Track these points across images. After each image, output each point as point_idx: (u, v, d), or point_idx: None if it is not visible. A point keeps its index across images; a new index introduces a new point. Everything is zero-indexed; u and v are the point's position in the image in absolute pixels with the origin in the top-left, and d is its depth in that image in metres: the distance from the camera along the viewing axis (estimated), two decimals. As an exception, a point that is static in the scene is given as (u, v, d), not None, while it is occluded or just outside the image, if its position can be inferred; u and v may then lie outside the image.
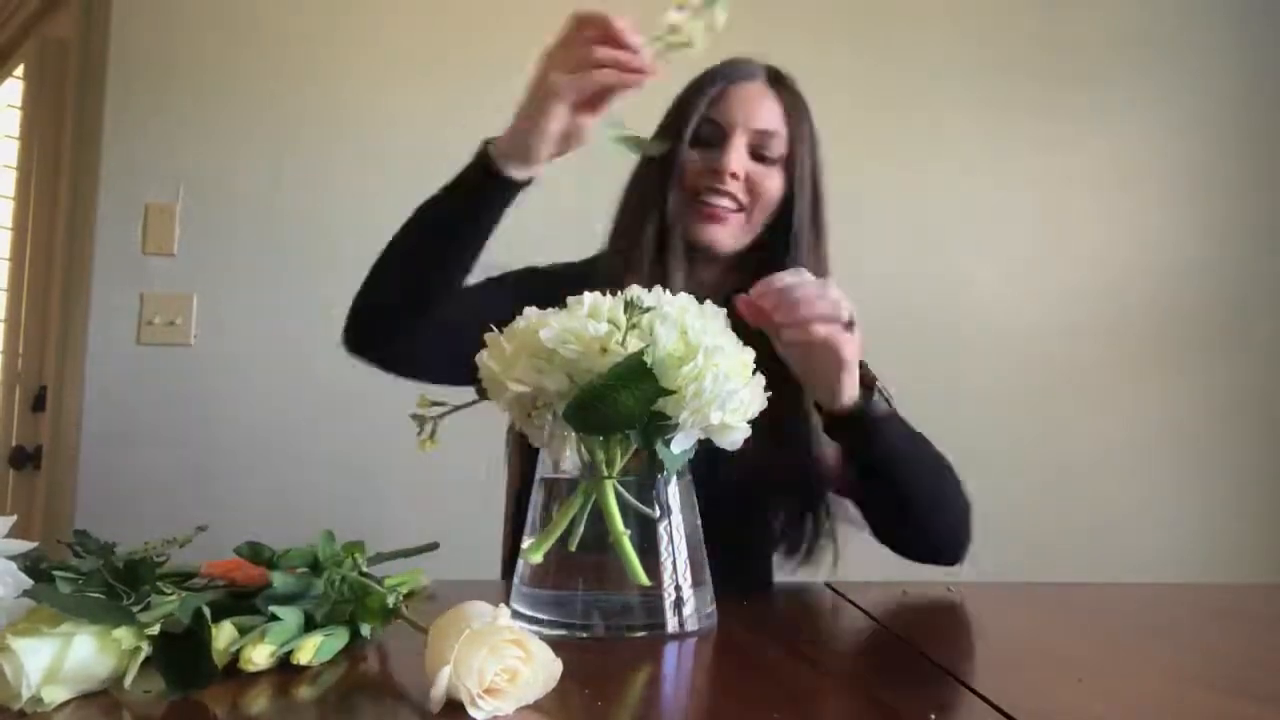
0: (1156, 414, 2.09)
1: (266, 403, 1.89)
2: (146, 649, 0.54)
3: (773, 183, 1.00)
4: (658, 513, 0.71)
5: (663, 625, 0.69)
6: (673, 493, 0.72)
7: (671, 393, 0.66)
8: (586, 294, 0.70)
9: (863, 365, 0.86)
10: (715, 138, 0.99)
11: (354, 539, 0.71)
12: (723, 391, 0.66)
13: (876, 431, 0.88)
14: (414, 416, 0.76)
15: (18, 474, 2.04)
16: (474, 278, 0.96)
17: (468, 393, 0.77)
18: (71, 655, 0.50)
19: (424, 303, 0.93)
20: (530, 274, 1.09)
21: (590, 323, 0.67)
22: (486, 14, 2.01)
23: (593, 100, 0.88)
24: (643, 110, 1.06)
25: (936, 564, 0.97)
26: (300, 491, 1.79)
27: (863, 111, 2.08)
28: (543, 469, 0.74)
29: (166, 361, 1.87)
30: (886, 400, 0.89)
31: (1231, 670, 0.66)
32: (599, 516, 0.69)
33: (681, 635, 0.69)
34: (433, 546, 0.83)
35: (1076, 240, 2.11)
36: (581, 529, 0.68)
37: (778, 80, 1.05)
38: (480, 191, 0.91)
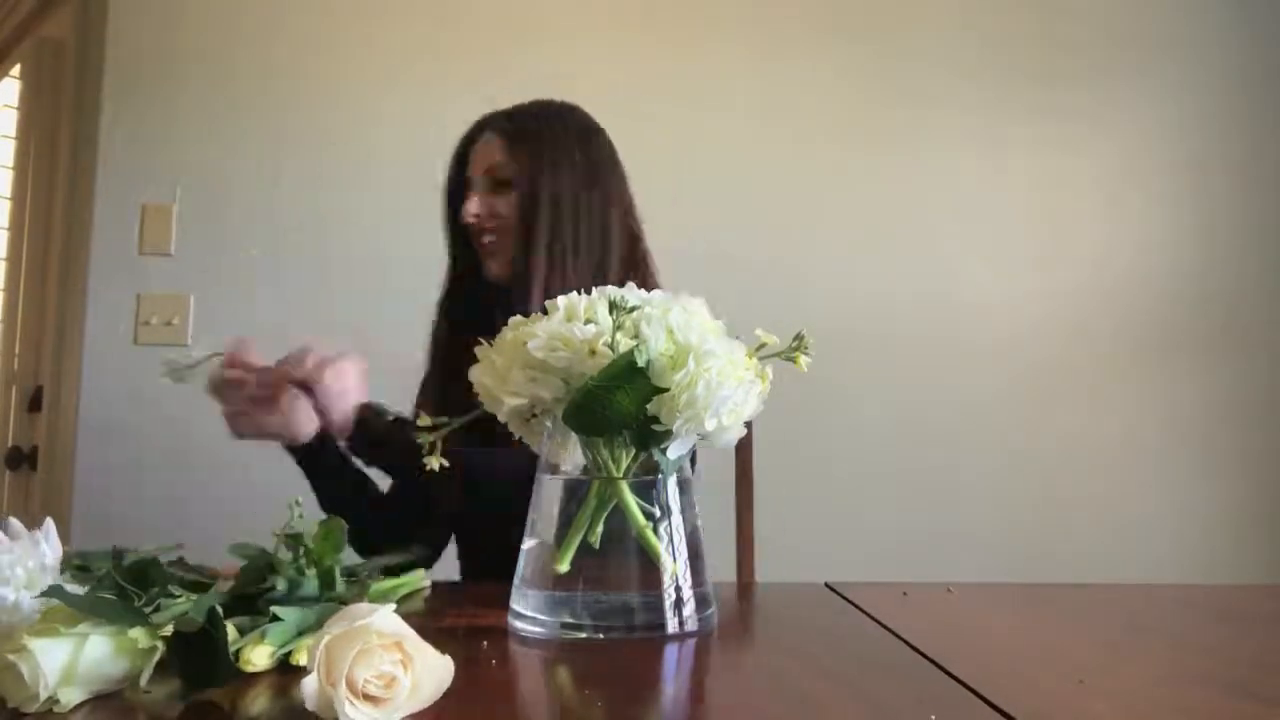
0: (1157, 414, 2.09)
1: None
2: (161, 649, 0.54)
3: (506, 205, 1.13)
4: (658, 513, 0.71)
5: (663, 625, 0.69)
6: (672, 493, 0.72)
7: (666, 390, 0.66)
8: (560, 298, 0.70)
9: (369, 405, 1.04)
10: (469, 188, 1.16)
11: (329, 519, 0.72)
12: (716, 397, 0.66)
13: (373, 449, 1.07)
14: (417, 432, 0.76)
15: (14, 474, 2.04)
16: None
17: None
18: (87, 655, 0.50)
19: (361, 522, 1.00)
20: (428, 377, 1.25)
21: (576, 326, 0.67)
22: (484, 15, 2.01)
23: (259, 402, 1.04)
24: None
25: None
26: (298, 492, 1.78)
27: (861, 111, 2.08)
28: (541, 472, 0.74)
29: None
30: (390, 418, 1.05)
31: (1232, 670, 0.66)
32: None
33: (681, 635, 0.69)
34: (429, 557, 0.83)
35: (1076, 241, 2.11)
36: (601, 526, 0.68)
37: (502, 123, 1.18)
38: (303, 465, 1.12)
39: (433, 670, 0.48)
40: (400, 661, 0.47)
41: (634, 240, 1.19)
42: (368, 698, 0.46)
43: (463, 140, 1.19)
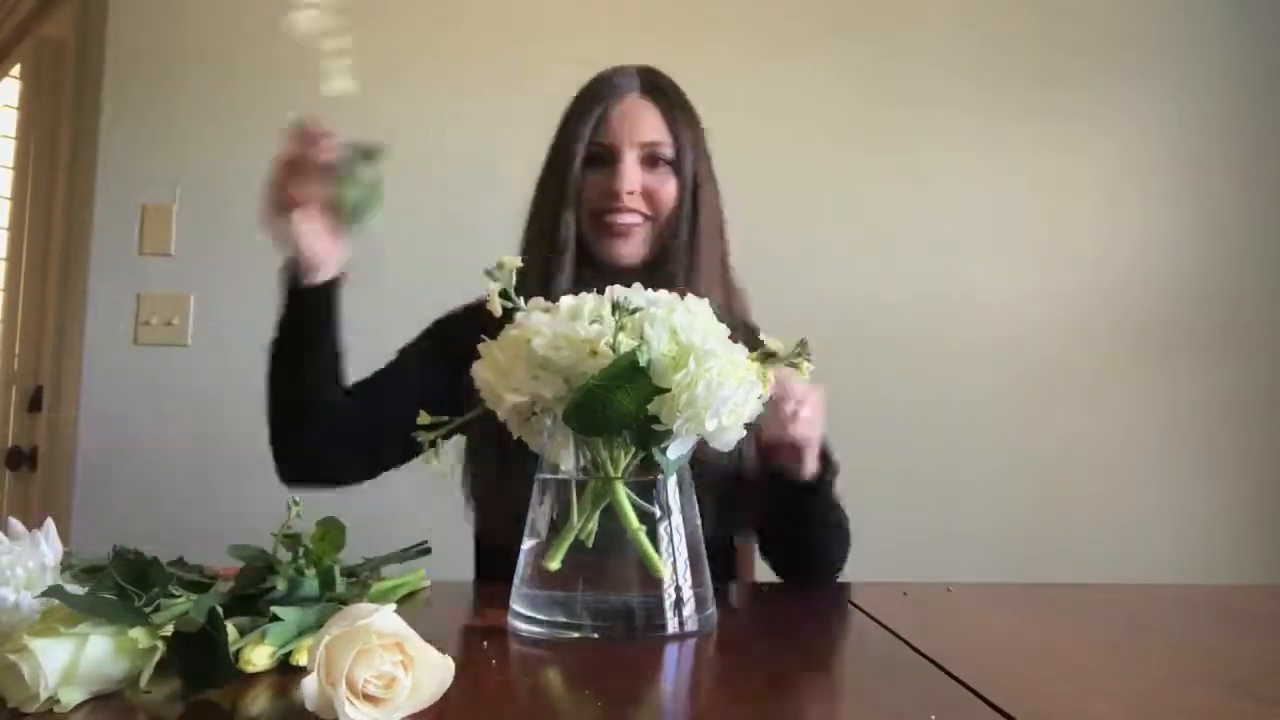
0: (1157, 414, 2.09)
1: (263, 403, 1.89)
2: (161, 649, 0.54)
3: (668, 189, 1.03)
4: (658, 513, 0.71)
5: (663, 625, 0.69)
6: (672, 493, 0.72)
7: (666, 390, 0.66)
8: (564, 299, 0.70)
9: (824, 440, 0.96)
10: (607, 158, 1.03)
11: (352, 538, 0.71)
12: (716, 397, 0.66)
13: (816, 497, 0.97)
14: (417, 433, 0.76)
15: (14, 475, 2.04)
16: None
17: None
18: (87, 655, 0.50)
19: (316, 414, 1.02)
20: (442, 323, 1.18)
21: (580, 325, 0.67)
22: (482, 15, 2.01)
23: (299, 201, 0.99)
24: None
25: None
26: (298, 492, 1.78)
27: (862, 111, 2.08)
28: (542, 472, 0.74)
29: (163, 362, 1.87)
30: (833, 474, 0.98)
31: (1232, 670, 0.66)
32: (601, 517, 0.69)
33: (681, 635, 0.69)
34: (425, 550, 0.83)
35: (1076, 241, 2.11)
36: (595, 525, 0.68)
37: (654, 87, 1.06)
38: (300, 311, 1.02)
39: (433, 670, 0.48)
40: (401, 662, 0.47)
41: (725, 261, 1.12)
42: (368, 698, 0.46)
43: (592, 97, 1.04)
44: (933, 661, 0.63)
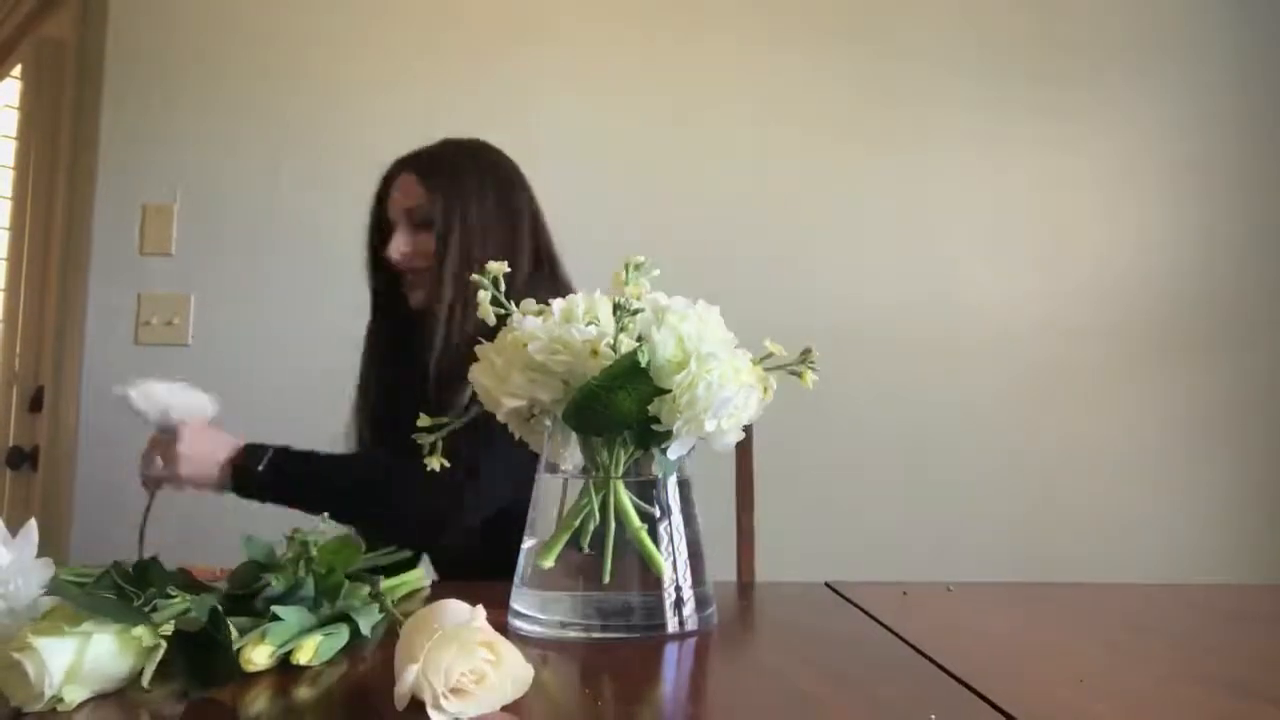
0: (1157, 414, 2.09)
1: (264, 403, 1.89)
2: (163, 648, 0.54)
3: (427, 242, 1.20)
4: (658, 513, 0.71)
5: (663, 625, 0.69)
6: (672, 494, 0.72)
7: (668, 391, 0.66)
8: (555, 301, 0.71)
9: (250, 449, 1.15)
10: (389, 229, 1.24)
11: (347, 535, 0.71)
12: (716, 399, 0.66)
13: (262, 493, 1.15)
14: (417, 436, 0.76)
15: (14, 474, 2.04)
16: None
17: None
18: (91, 654, 0.50)
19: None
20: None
21: (576, 328, 0.67)
22: (481, 16, 2.01)
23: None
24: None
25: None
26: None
27: (862, 111, 2.08)
28: (541, 472, 0.74)
29: (164, 362, 1.87)
30: (260, 467, 1.13)
31: (1232, 670, 0.66)
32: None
33: (681, 635, 0.69)
34: (406, 554, 0.83)
35: (1077, 241, 2.11)
36: (592, 528, 0.69)
37: (414, 158, 1.26)
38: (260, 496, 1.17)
39: (518, 671, 0.51)
40: (490, 660, 0.49)
41: (538, 268, 1.24)
42: (455, 691, 0.48)
43: (382, 180, 1.26)
44: (933, 661, 0.63)
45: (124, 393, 1.12)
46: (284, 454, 1.15)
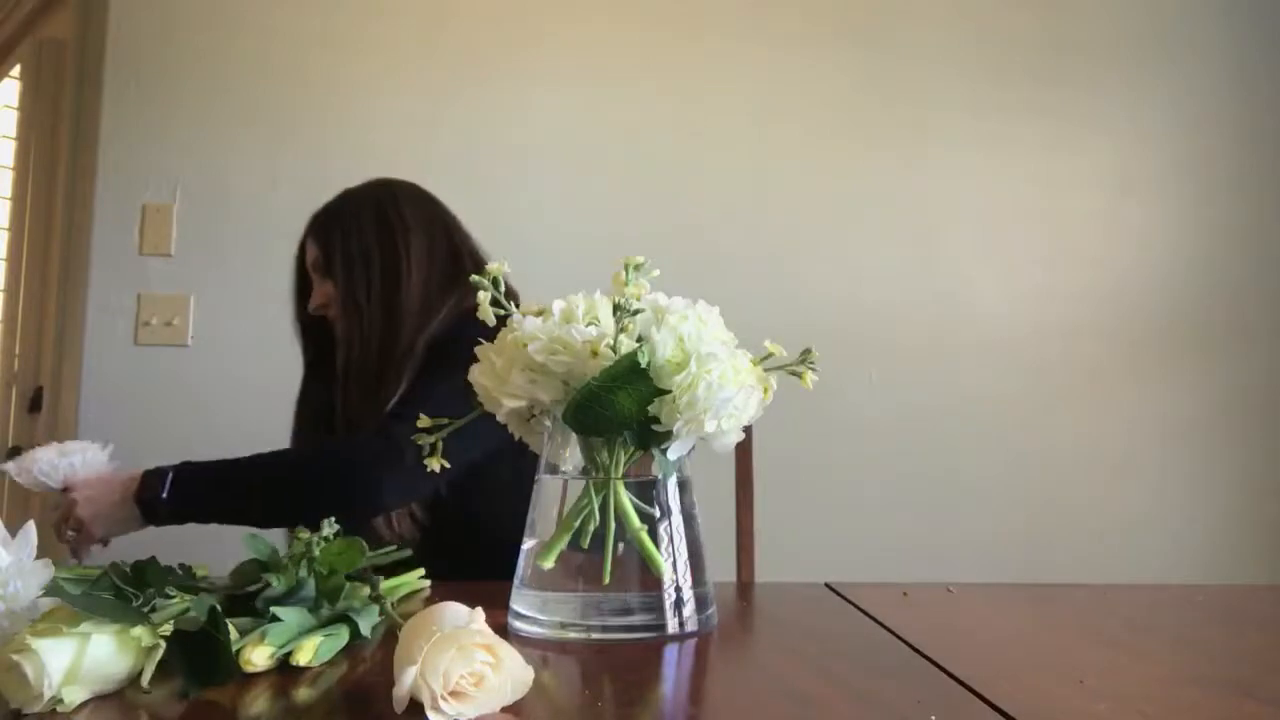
0: (1157, 414, 2.09)
1: (263, 403, 1.88)
2: (162, 649, 0.54)
3: (329, 288, 1.26)
4: (658, 513, 0.71)
5: (663, 625, 0.69)
6: (672, 494, 0.72)
7: (668, 392, 0.66)
8: (555, 302, 0.71)
9: (148, 477, 1.12)
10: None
11: (352, 538, 0.71)
12: (716, 400, 0.66)
13: (176, 517, 1.11)
14: (417, 437, 0.76)
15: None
16: None
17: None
18: (90, 655, 0.50)
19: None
20: None
21: (575, 329, 0.67)
22: (480, 16, 2.01)
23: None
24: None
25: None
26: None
27: (861, 113, 2.08)
28: (541, 472, 0.74)
29: (163, 362, 1.87)
30: (164, 494, 1.10)
31: (1232, 670, 0.66)
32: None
33: (681, 635, 0.69)
34: (405, 554, 0.83)
35: (1077, 241, 2.11)
36: (592, 528, 0.69)
37: (312, 219, 1.31)
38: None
39: (517, 673, 0.50)
40: (490, 663, 0.49)
41: (455, 261, 1.27)
42: (454, 694, 0.48)
43: (299, 245, 1.33)
44: (933, 661, 0.63)
45: (14, 470, 1.11)
46: (186, 469, 1.13)
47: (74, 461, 1.12)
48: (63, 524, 1.11)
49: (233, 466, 1.14)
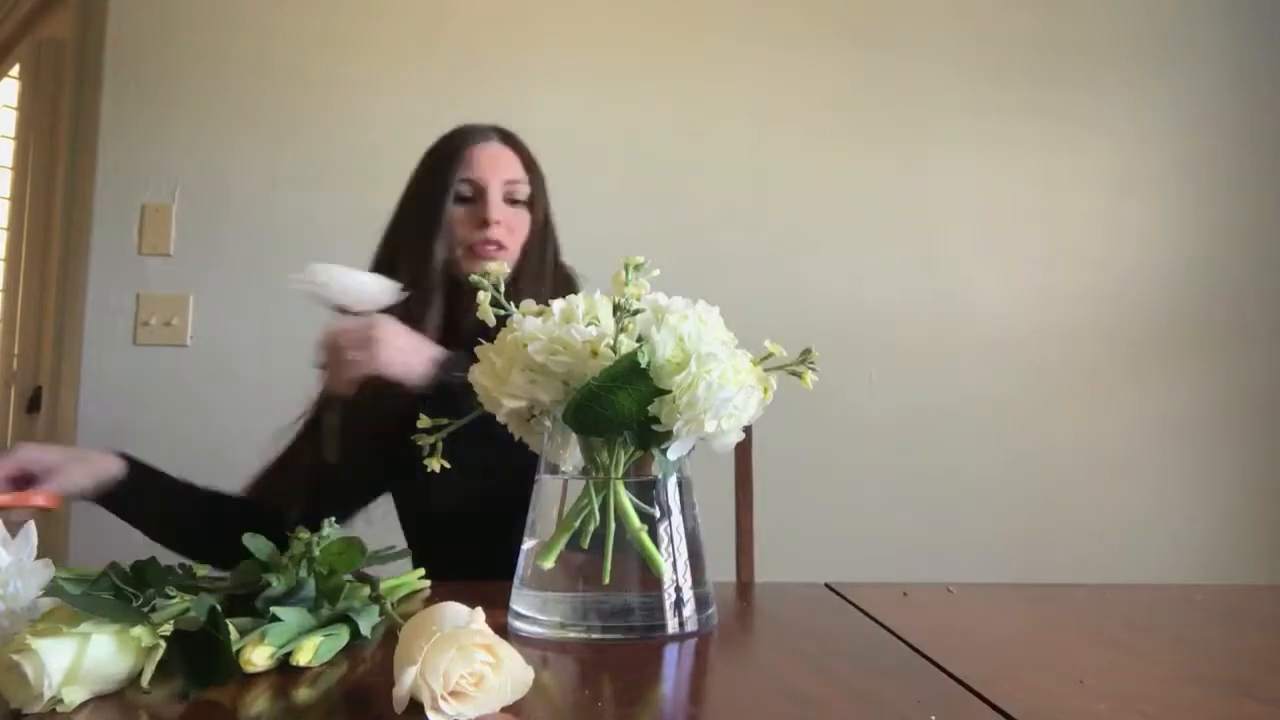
0: (1157, 414, 2.09)
1: (263, 403, 1.88)
2: (162, 648, 0.54)
3: (523, 224, 1.17)
4: (657, 514, 0.71)
5: (663, 626, 0.69)
6: (672, 494, 0.72)
7: (668, 392, 0.66)
8: (555, 302, 0.71)
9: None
10: (474, 193, 1.16)
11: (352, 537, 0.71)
12: (716, 400, 0.66)
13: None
14: (416, 438, 0.76)
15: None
16: None
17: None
18: (90, 655, 0.50)
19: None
20: None
21: (576, 329, 0.67)
22: (480, 16, 2.01)
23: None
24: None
25: None
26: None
27: (861, 113, 2.08)
28: (541, 472, 0.74)
29: (163, 362, 1.87)
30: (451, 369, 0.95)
31: (1232, 670, 0.66)
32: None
33: (681, 635, 0.69)
34: (405, 553, 0.83)
35: (1077, 241, 2.11)
36: (593, 528, 0.68)
37: (509, 137, 1.21)
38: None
39: (517, 674, 0.50)
40: (490, 663, 0.49)
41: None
42: (454, 694, 0.48)
43: (458, 142, 1.17)
44: (933, 661, 0.63)
45: (307, 275, 0.91)
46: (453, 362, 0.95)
47: (373, 290, 0.95)
48: (339, 345, 0.93)
49: None
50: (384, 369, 0.92)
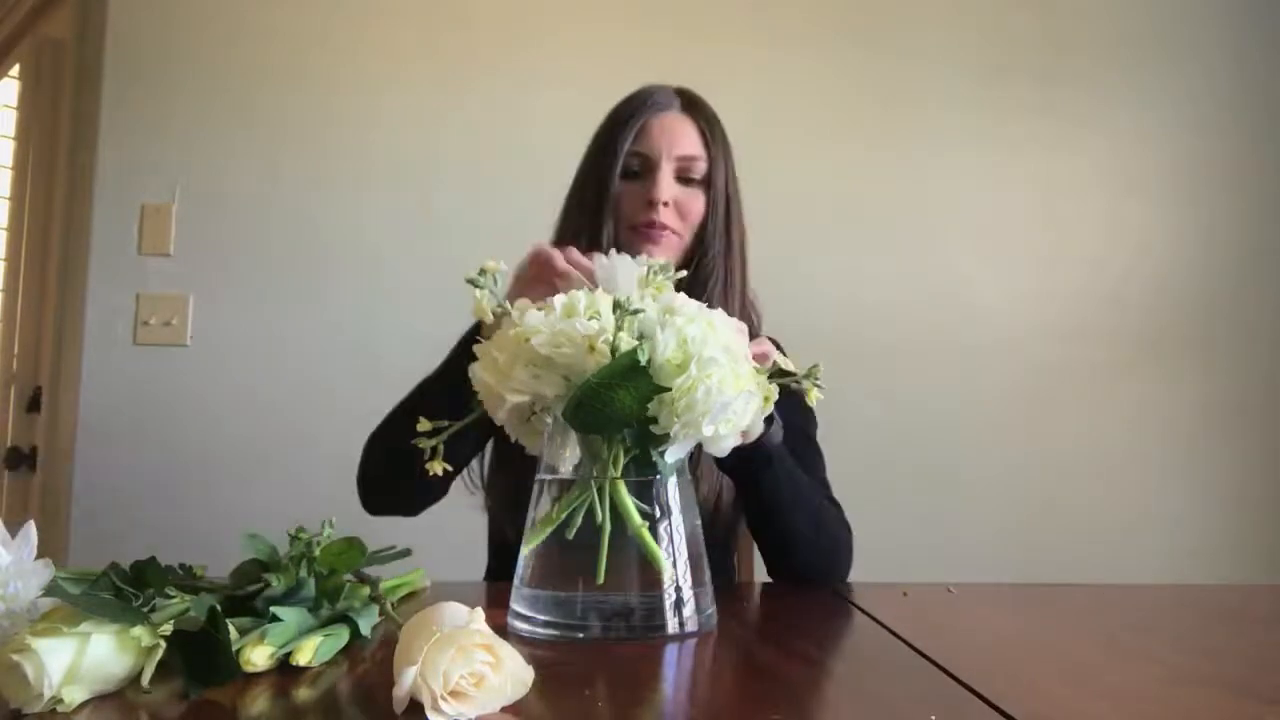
0: (1156, 415, 2.09)
1: (262, 403, 1.89)
2: (162, 648, 0.54)
3: (698, 204, 1.07)
4: (658, 513, 0.71)
5: (663, 626, 0.69)
6: (672, 493, 0.72)
7: (668, 389, 0.66)
8: (556, 297, 0.71)
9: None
10: (644, 168, 1.06)
11: (352, 538, 0.71)
12: (715, 404, 0.66)
13: (770, 462, 0.92)
14: (415, 441, 0.76)
15: (13, 475, 2.04)
16: None
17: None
18: (90, 655, 0.50)
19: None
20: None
21: (579, 322, 0.67)
22: (479, 15, 2.01)
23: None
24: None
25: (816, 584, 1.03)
26: (297, 491, 1.79)
27: (862, 112, 2.08)
28: (542, 472, 0.74)
29: (162, 362, 1.87)
30: (776, 436, 0.92)
31: (1233, 671, 0.66)
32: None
33: (681, 635, 0.69)
34: (404, 552, 0.83)
35: (1076, 242, 2.11)
36: (580, 519, 0.68)
37: (692, 104, 1.11)
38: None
39: (517, 673, 0.50)
40: (490, 663, 0.49)
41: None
42: (454, 694, 0.48)
43: (632, 109, 1.08)
44: (933, 661, 0.63)
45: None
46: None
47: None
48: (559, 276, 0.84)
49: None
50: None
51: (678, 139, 1.06)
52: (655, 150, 1.06)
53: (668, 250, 1.06)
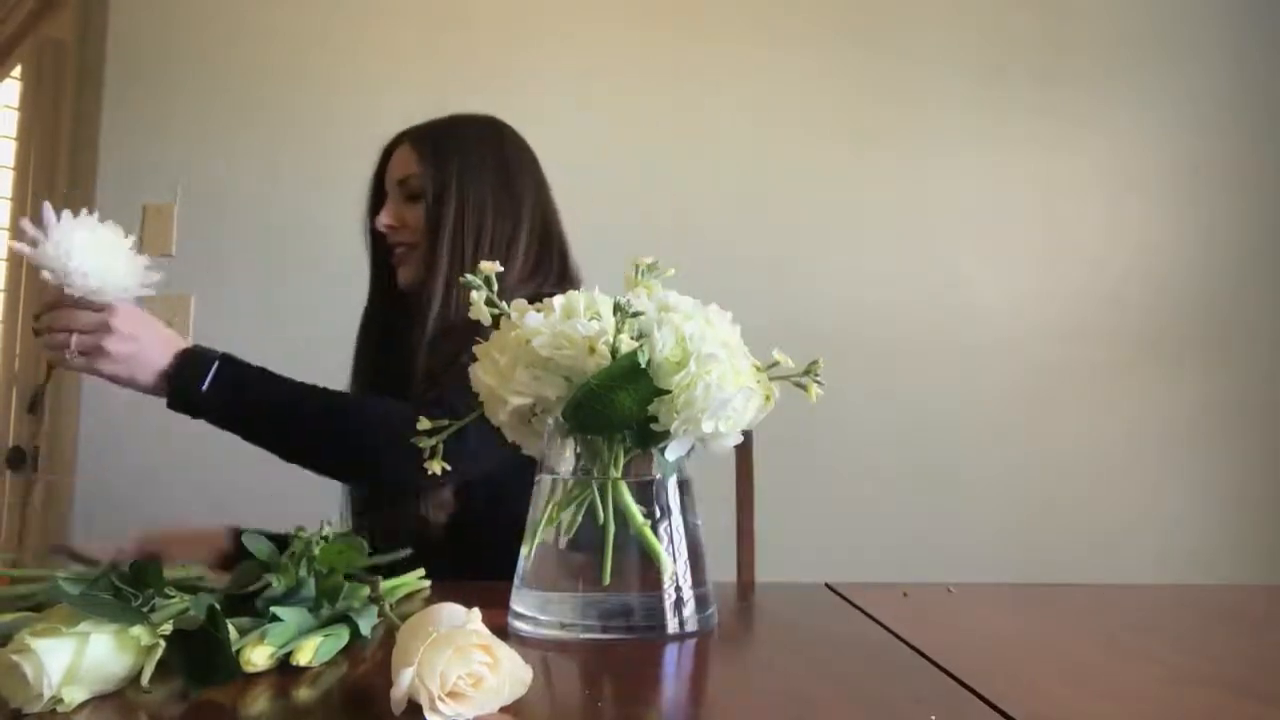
0: (1156, 415, 2.09)
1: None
2: (162, 648, 0.54)
3: (416, 215, 1.16)
4: (658, 514, 0.71)
5: (662, 626, 0.69)
6: (672, 494, 0.72)
7: (668, 392, 0.66)
8: (557, 297, 0.71)
9: (191, 357, 0.97)
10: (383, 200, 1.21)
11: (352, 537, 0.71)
12: (715, 400, 0.66)
13: (199, 413, 0.99)
14: (417, 440, 0.76)
15: (14, 475, 2.04)
16: None
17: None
18: (89, 654, 0.50)
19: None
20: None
21: (580, 323, 0.67)
22: (479, 15, 2.01)
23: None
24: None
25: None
26: (298, 492, 1.78)
27: (862, 112, 2.09)
28: (541, 473, 0.74)
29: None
30: (205, 386, 0.96)
31: (1233, 671, 0.66)
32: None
33: (681, 635, 0.69)
34: (405, 553, 0.83)
35: (1076, 242, 2.11)
36: (579, 521, 0.68)
37: (416, 130, 1.21)
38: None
39: (516, 674, 0.50)
40: (488, 664, 0.49)
41: (545, 247, 1.19)
42: (452, 695, 0.48)
43: (382, 151, 1.23)
44: (933, 661, 0.63)
45: (32, 243, 0.80)
46: (234, 369, 0.98)
47: (121, 268, 0.84)
48: (66, 327, 0.92)
49: (287, 387, 1.01)
50: (103, 370, 0.92)
51: (397, 166, 1.19)
52: (386, 182, 1.21)
53: (412, 268, 1.18)
